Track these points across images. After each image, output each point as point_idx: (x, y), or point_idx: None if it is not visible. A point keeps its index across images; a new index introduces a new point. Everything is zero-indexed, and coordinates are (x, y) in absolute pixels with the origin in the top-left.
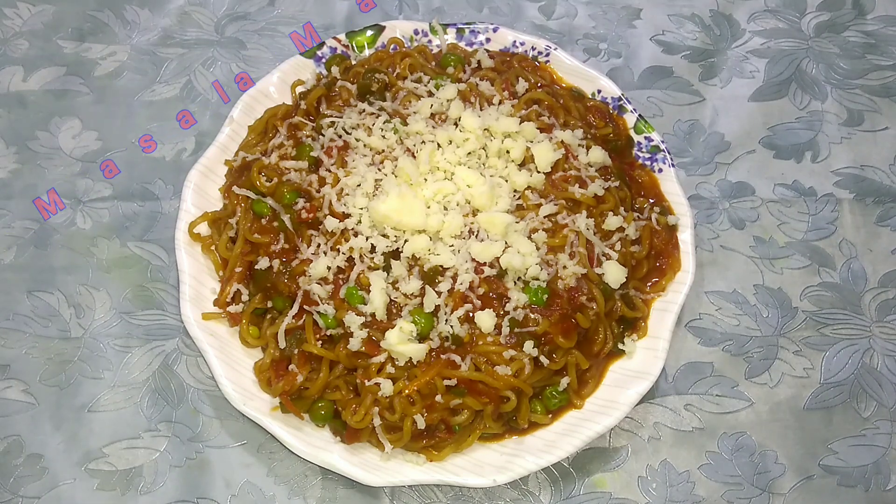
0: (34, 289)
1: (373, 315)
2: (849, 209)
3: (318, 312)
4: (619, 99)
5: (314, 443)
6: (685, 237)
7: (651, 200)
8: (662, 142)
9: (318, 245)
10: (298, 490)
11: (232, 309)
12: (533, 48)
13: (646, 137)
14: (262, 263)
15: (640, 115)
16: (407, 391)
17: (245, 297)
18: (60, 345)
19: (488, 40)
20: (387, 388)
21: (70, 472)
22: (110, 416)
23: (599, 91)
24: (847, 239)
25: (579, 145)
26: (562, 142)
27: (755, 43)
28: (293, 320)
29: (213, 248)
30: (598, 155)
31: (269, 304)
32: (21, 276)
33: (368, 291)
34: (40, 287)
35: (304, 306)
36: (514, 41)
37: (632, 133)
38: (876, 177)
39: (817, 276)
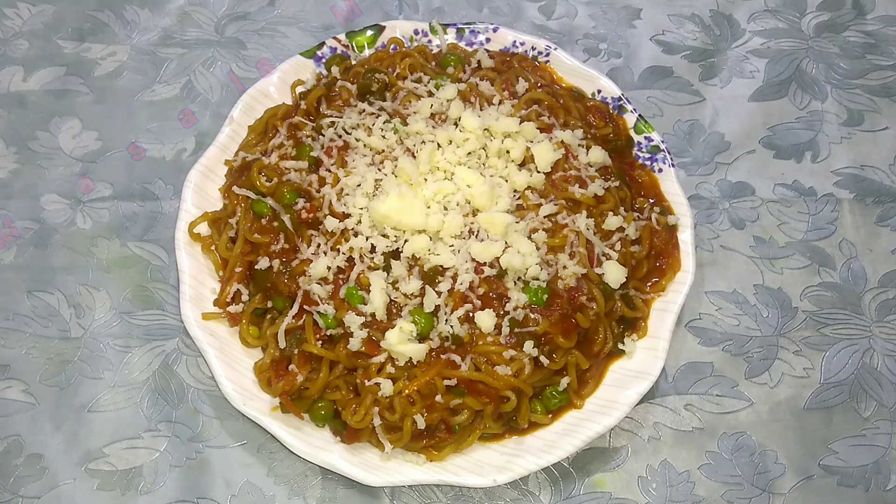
0: (34, 289)
1: (373, 315)
2: (849, 209)
3: (318, 312)
4: (619, 99)
5: (314, 443)
6: (685, 237)
7: (651, 200)
8: (662, 142)
9: (318, 245)
10: (298, 490)
11: (232, 309)
12: (533, 48)
13: (646, 137)
14: (262, 263)
15: (640, 115)
16: (407, 391)
17: (245, 297)
18: (60, 345)
19: (488, 40)
20: (387, 388)
21: (70, 472)
22: (110, 416)
23: (599, 91)
24: (847, 239)
25: (579, 145)
26: (562, 142)
27: (755, 43)
28: (293, 320)
29: (213, 248)
30: (598, 155)
31: (269, 304)
32: (21, 276)
33: (368, 291)
34: (40, 287)
35: (304, 306)
36: (514, 41)
37: (632, 133)
38: (876, 177)
39: (817, 276)
